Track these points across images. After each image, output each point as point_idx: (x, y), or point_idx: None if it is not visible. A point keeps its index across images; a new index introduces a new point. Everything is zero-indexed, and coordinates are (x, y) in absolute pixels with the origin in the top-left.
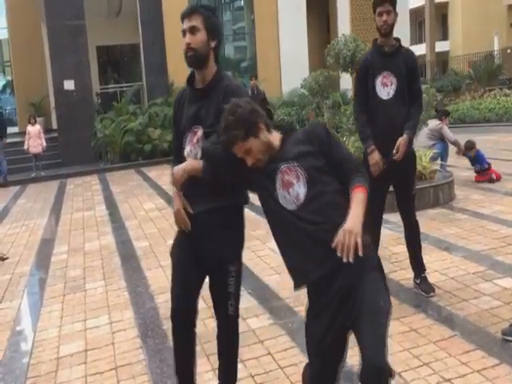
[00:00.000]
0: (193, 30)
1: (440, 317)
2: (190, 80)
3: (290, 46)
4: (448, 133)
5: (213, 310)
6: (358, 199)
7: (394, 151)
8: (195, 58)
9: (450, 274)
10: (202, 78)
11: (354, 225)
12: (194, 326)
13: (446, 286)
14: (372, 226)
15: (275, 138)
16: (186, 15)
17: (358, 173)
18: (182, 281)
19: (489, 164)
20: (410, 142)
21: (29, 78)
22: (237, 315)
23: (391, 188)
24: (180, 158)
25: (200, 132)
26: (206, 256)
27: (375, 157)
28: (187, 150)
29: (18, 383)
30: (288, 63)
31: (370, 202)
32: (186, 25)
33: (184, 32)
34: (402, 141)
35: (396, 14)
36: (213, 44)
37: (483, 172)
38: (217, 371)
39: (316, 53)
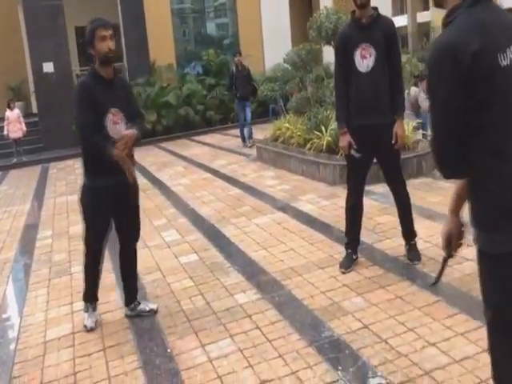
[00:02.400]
0: (112, 38)
1: (424, 283)
2: (97, 73)
3: (272, 21)
4: (422, 101)
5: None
6: None
7: (393, 141)
8: (114, 59)
9: (433, 241)
10: (107, 71)
11: None
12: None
13: (430, 252)
14: (352, 197)
15: None
16: (106, 25)
17: None
18: (104, 227)
19: None
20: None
21: (6, 62)
22: None
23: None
24: (100, 130)
25: (120, 114)
26: (130, 191)
27: (345, 139)
28: (110, 127)
29: (5, 369)
30: (270, 38)
31: (352, 174)
32: (108, 32)
33: (104, 37)
34: (398, 130)
35: None
36: None
37: None
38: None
39: (298, 27)
